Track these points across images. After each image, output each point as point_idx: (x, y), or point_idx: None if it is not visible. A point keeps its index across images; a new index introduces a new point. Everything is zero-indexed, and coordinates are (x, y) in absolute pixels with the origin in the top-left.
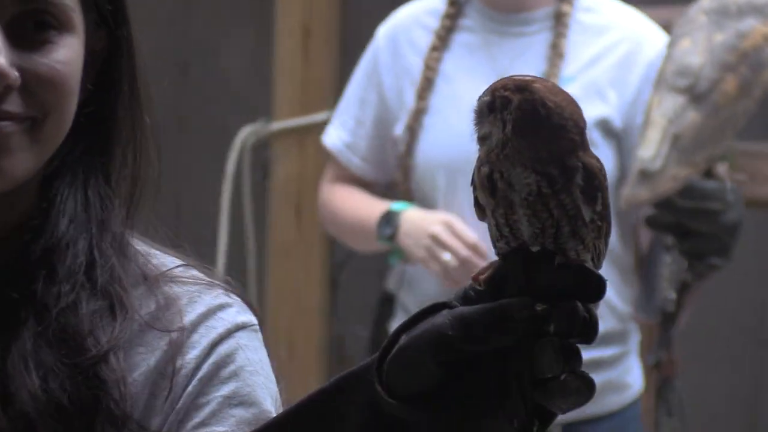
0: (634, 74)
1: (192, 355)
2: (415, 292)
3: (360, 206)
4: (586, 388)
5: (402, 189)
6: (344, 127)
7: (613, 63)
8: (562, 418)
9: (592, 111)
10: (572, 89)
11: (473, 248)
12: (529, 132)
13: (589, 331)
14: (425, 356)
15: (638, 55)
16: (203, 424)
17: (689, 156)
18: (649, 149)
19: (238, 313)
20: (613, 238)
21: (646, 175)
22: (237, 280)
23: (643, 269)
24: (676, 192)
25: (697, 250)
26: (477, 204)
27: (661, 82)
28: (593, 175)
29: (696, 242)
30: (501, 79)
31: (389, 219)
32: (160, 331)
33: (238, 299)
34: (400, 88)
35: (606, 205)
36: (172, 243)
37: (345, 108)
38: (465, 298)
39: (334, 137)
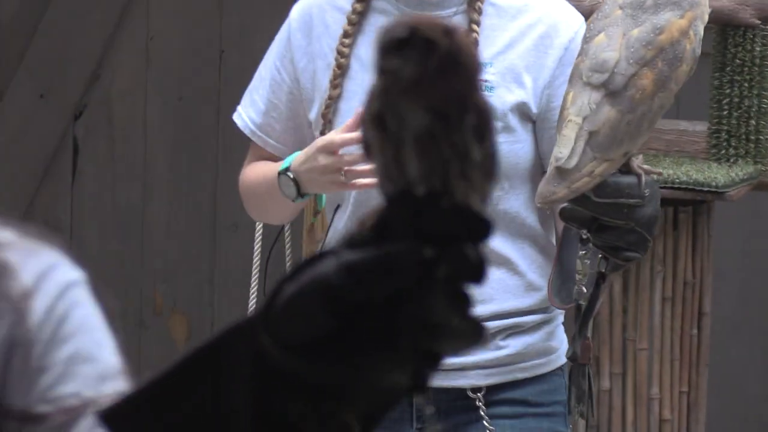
0: (550, 57)
1: (33, 319)
2: None
3: (266, 169)
4: (476, 332)
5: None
6: (254, 109)
7: (528, 46)
8: (487, 380)
9: (509, 97)
10: (489, 75)
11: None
12: (447, 75)
13: (478, 273)
14: (312, 306)
15: (553, 38)
16: (51, 386)
17: (605, 152)
18: (565, 148)
19: (66, 270)
20: (533, 218)
21: (561, 172)
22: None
23: (558, 254)
24: (591, 187)
25: (613, 244)
26: (363, 143)
27: (576, 77)
28: (485, 114)
29: (612, 236)
30: (417, 18)
31: (284, 180)
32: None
33: (62, 256)
34: (313, 70)
35: (495, 144)
36: None
37: (256, 88)
38: (350, 245)
39: (245, 118)
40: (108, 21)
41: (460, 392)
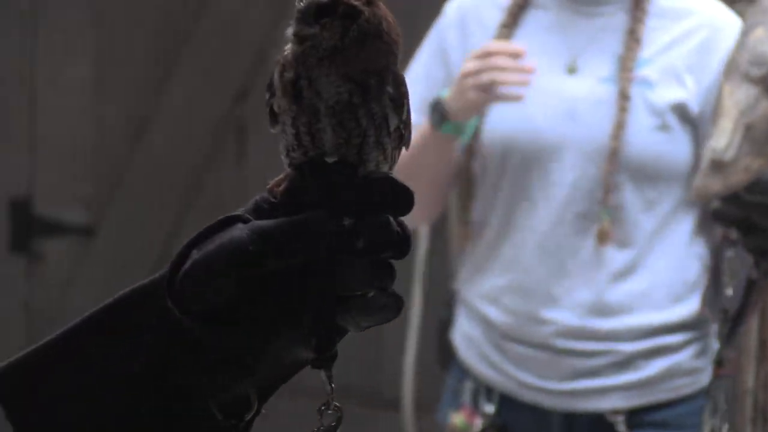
0: (713, 61)
1: None
2: (477, 283)
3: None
4: (393, 306)
5: (464, 169)
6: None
7: (691, 48)
8: (628, 402)
9: (669, 95)
10: (649, 72)
11: (509, 53)
12: (368, 44)
13: (402, 246)
14: (221, 271)
15: (717, 42)
16: None
17: (762, 147)
18: (722, 139)
19: None
20: (687, 222)
21: (718, 166)
22: None
23: (712, 263)
24: (744, 185)
25: (763, 247)
26: (271, 112)
27: (733, 71)
28: (401, 82)
29: (762, 238)
30: None
31: (434, 106)
32: None
33: None
34: None
35: (409, 113)
36: None
37: (410, 86)
38: (257, 211)
39: None
40: (275, 1)
41: (599, 416)
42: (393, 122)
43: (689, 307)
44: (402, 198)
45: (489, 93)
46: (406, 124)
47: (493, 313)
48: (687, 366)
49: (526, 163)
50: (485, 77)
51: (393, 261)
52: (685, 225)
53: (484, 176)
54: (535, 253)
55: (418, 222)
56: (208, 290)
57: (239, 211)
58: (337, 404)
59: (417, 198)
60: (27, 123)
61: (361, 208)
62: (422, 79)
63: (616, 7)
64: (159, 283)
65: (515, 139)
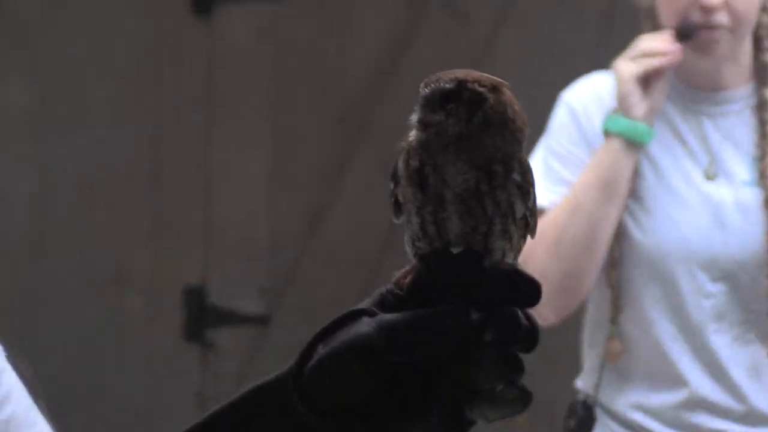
0: None
1: None
2: (627, 393)
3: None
4: (521, 400)
5: (611, 282)
6: (540, 183)
7: None
8: None
9: None
10: None
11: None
12: (495, 131)
13: (531, 339)
14: (350, 368)
15: None
16: None
17: None
18: None
19: None
20: None
21: None
22: None
23: None
24: None
25: None
26: (396, 202)
27: None
28: (528, 169)
29: None
30: (461, 71)
31: (607, 122)
32: None
33: None
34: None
35: (535, 201)
36: None
37: (542, 162)
38: (383, 304)
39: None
40: None
41: None
42: (519, 210)
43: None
44: (529, 290)
45: (654, 77)
46: (532, 211)
47: (650, 424)
48: None
49: (676, 272)
50: (651, 62)
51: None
52: None
53: (631, 288)
54: (695, 366)
55: (562, 310)
56: (334, 387)
57: (364, 304)
58: None
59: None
60: (202, 211)
61: (488, 301)
62: (548, 178)
63: (740, 105)
64: (285, 379)
65: (663, 249)
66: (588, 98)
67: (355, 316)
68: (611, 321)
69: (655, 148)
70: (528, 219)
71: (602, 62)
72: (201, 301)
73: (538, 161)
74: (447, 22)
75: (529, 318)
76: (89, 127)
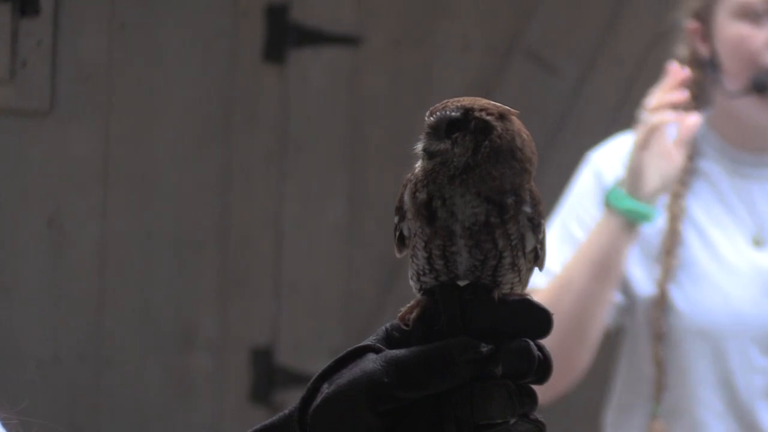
0: None
1: None
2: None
3: (578, 248)
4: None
5: (653, 353)
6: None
7: None
8: None
9: None
10: None
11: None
12: (503, 161)
13: (544, 371)
14: (358, 406)
15: None
16: None
17: None
18: None
19: None
20: None
21: None
22: None
23: None
24: None
25: None
26: (400, 236)
27: None
28: (538, 201)
29: None
30: (468, 99)
31: (609, 196)
32: None
33: None
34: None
35: (545, 233)
36: None
37: (557, 253)
38: (389, 340)
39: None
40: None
41: None
42: (530, 243)
43: None
44: (540, 319)
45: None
46: (542, 244)
47: None
48: None
49: (725, 346)
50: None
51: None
52: None
53: (675, 364)
54: None
55: (571, 375)
56: (341, 425)
57: (369, 341)
58: None
59: (577, 341)
60: (272, 267)
61: (498, 333)
62: (562, 242)
63: None
64: (289, 419)
65: (712, 322)
66: (614, 160)
67: (360, 353)
68: (655, 400)
69: (700, 214)
70: (538, 251)
71: None
72: (269, 361)
73: (557, 223)
74: (532, 72)
75: (541, 349)
76: (156, 180)
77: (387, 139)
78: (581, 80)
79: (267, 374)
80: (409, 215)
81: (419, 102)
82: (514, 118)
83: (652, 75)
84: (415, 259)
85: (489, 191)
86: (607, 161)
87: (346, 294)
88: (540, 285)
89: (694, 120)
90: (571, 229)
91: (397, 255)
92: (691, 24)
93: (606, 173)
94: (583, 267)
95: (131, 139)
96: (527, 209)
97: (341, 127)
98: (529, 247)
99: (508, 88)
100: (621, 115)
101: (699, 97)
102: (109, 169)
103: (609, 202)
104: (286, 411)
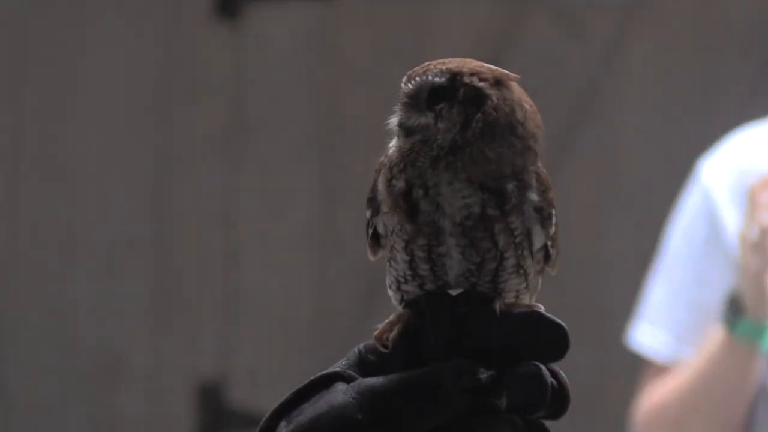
0: None
1: None
2: None
3: (690, 367)
4: None
5: None
6: (673, 319)
7: None
8: None
9: None
10: None
11: None
12: (500, 138)
13: (559, 403)
14: None
15: None
16: None
17: None
18: None
19: None
20: None
21: None
22: None
23: None
24: None
25: None
26: (374, 235)
27: None
28: (547, 186)
29: None
30: (455, 60)
31: (729, 301)
32: None
33: None
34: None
35: (557, 225)
36: None
37: (672, 291)
38: (363, 365)
39: (655, 339)
40: None
41: None
42: (538, 239)
43: None
44: (555, 337)
45: None
46: (554, 239)
47: None
48: None
49: None
50: None
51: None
52: None
53: None
54: None
55: None
56: None
57: (337, 366)
58: None
59: None
60: (222, 280)
61: (501, 356)
62: (691, 280)
63: None
64: None
65: None
66: (731, 180)
67: (326, 382)
68: None
69: None
70: (548, 249)
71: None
72: (218, 398)
73: (664, 272)
74: (553, 31)
75: (555, 375)
76: (77, 167)
77: (368, 117)
78: (615, 42)
79: (215, 415)
80: (384, 208)
81: (409, 67)
82: (513, 84)
83: (703, 38)
84: (393, 263)
85: (483, 176)
86: (719, 180)
87: (316, 312)
88: (654, 356)
89: None
90: (684, 282)
91: (371, 257)
92: None
93: (717, 198)
94: (710, 395)
95: (47, 117)
96: (533, 197)
97: (310, 101)
98: (538, 244)
99: (523, 51)
100: (665, 88)
101: None
102: (20, 155)
103: (729, 324)
104: None
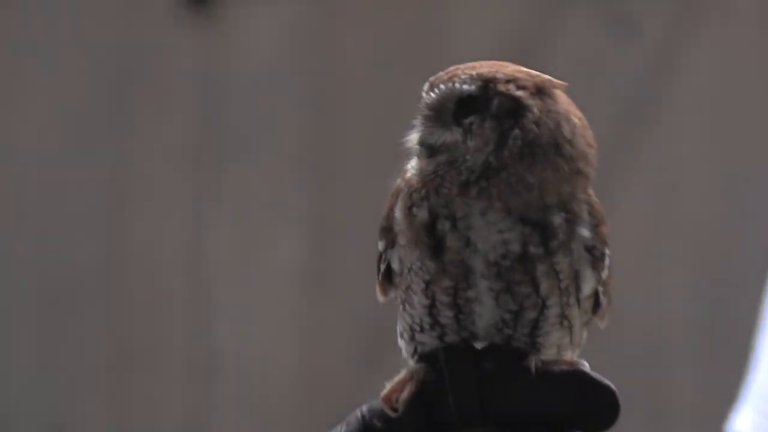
0: None
1: None
2: None
3: None
4: None
5: None
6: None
7: None
8: None
9: None
10: None
11: None
12: (543, 160)
13: None
14: None
15: None
16: None
17: None
18: None
19: None
20: None
21: None
22: None
23: None
24: None
25: None
26: (387, 272)
27: None
28: (601, 222)
29: None
30: (487, 64)
31: None
32: None
33: None
34: None
35: (611, 267)
36: None
37: None
38: (368, 431)
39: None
40: None
41: None
42: (588, 284)
43: None
44: (602, 403)
45: None
46: (606, 285)
47: None
48: None
49: None
50: None
51: None
52: None
53: None
54: None
55: None
56: None
57: None
58: None
59: None
60: (191, 331)
61: (536, 425)
62: None
63: None
64: None
65: None
66: None
67: None
68: None
69: None
70: (599, 296)
71: None
72: None
73: (752, 403)
74: (599, 28)
75: None
76: (14, 191)
77: (368, 132)
78: (674, 43)
79: None
80: (401, 241)
81: (420, 74)
82: (558, 93)
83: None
84: (408, 307)
85: (524, 207)
86: None
87: (306, 370)
88: None
89: None
90: None
91: (381, 298)
92: None
93: None
94: None
95: None
96: (584, 232)
97: (299, 112)
98: (587, 290)
99: (561, 51)
100: (734, 94)
101: None
102: None
103: None
104: None
